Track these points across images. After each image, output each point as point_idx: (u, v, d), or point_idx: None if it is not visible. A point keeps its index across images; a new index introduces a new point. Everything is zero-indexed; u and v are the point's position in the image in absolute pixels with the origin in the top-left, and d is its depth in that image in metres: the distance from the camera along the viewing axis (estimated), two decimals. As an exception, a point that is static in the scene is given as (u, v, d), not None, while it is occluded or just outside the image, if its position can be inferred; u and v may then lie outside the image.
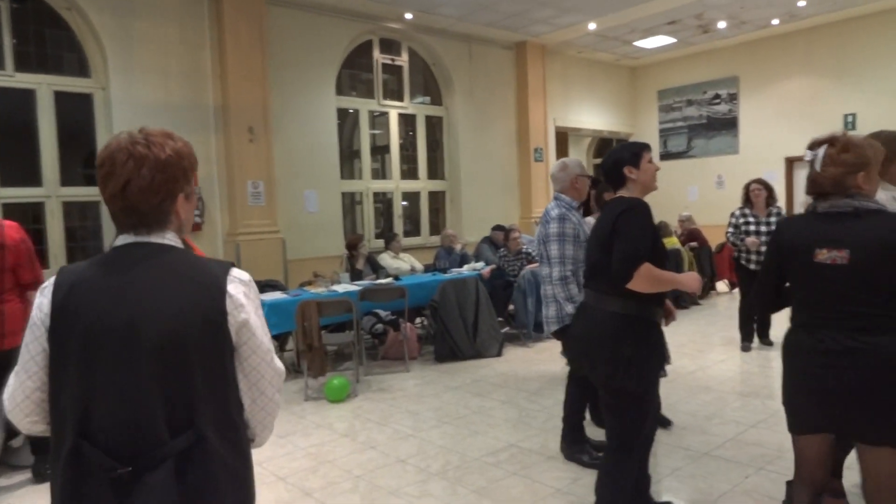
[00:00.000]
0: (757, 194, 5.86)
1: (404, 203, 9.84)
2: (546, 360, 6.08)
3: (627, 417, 2.55)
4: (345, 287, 6.00)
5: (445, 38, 9.92)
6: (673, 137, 12.49)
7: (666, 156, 12.54)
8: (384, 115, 9.59)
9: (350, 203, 9.47)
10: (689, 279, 2.52)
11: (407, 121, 9.87)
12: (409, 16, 9.08)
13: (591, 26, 10.14)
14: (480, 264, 7.42)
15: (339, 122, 8.94)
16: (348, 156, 9.43)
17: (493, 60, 10.62)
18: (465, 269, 7.21)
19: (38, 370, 1.32)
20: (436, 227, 10.25)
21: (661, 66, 12.54)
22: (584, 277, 2.80)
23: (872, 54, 10.03)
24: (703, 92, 11.99)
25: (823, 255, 2.01)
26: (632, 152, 2.63)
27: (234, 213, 7.56)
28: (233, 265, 1.40)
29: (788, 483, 2.26)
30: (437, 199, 10.33)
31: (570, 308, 3.43)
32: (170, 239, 1.38)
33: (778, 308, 2.28)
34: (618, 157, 2.63)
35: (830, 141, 2.10)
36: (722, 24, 10.46)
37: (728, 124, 11.64)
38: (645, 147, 2.69)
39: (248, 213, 7.56)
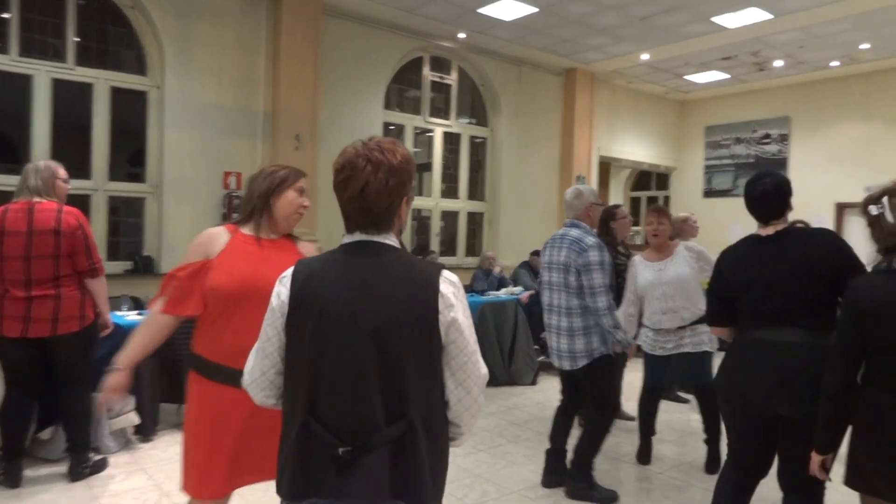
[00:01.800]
0: None
1: (441, 223, 9.74)
2: (583, 394, 5.87)
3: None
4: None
5: (496, 60, 9.89)
6: (718, 175, 12.23)
7: (710, 193, 12.29)
8: (429, 132, 9.55)
9: (388, 217, 9.41)
10: None
11: (451, 139, 9.82)
12: (462, 35, 9.07)
13: (644, 57, 10.03)
14: (518, 289, 7.26)
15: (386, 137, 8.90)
16: (390, 170, 9.39)
17: (541, 85, 10.55)
18: (503, 293, 7.05)
19: (272, 351, 1.49)
20: (472, 249, 10.13)
21: (711, 101, 12.34)
22: (777, 314, 2.41)
23: (935, 103, 9.73)
24: (753, 130, 11.75)
25: None
26: (790, 183, 2.57)
27: (274, 219, 7.53)
28: (444, 267, 1.49)
29: None
30: (474, 220, 10.22)
31: (620, 335, 3.39)
32: (391, 239, 1.49)
33: (849, 389, 2.07)
34: (783, 185, 2.55)
35: (890, 192, 1.99)
36: (779, 63, 10.25)
37: (777, 165, 11.36)
38: None
39: (288, 220, 7.52)
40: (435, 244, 9.50)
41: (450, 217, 9.89)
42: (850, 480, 2.06)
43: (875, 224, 2.01)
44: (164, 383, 4.37)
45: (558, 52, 9.92)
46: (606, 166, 12.20)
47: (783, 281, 2.36)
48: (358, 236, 1.47)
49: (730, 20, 8.38)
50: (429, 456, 1.40)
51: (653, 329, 4.07)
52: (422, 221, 9.74)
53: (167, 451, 4.11)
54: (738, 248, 2.59)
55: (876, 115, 10.37)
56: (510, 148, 10.18)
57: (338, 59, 8.19)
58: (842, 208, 10.61)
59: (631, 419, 4.85)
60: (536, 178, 10.51)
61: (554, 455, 3.75)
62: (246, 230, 2.10)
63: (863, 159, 10.37)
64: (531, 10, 8.16)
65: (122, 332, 3.78)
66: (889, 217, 1.95)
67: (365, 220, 1.45)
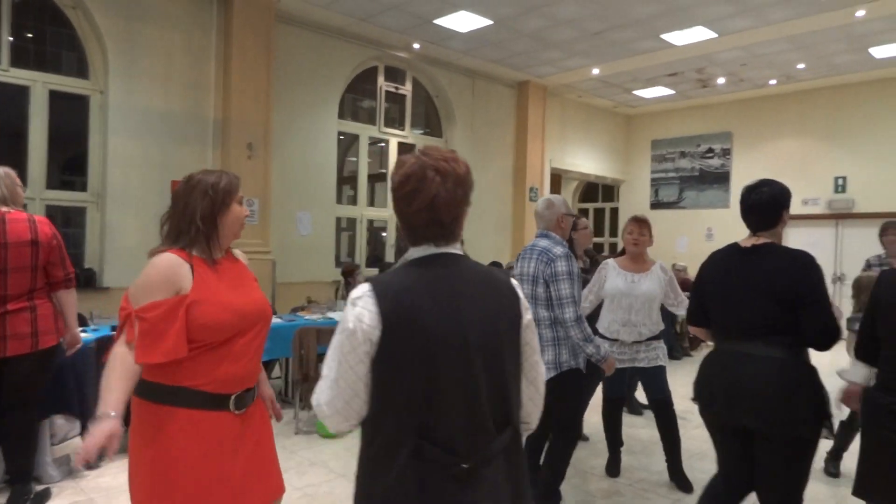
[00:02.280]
0: None
1: (384, 234, 9.64)
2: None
3: (802, 468, 2.36)
4: (342, 315, 5.73)
5: (450, 71, 9.90)
6: (664, 187, 12.59)
7: (657, 205, 12.62)
8: (384, 142, 9.45)
9: (340, 228, 9.24)
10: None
11: (406, 150, 9.74)
12: (416, 46, 9.04)
13: (595, 71, 10.24)
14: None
15: (339, 146, 8.77)
16: (344, 180, 9.25)
17: (494, 97, 10.62)
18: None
19: (356, 380, 1.37)
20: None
21: (657, 116, 12.71)
22: (741, 328, 2.47)
23: (863, 120, 10.29)
24: (697, 145, 12.16)
25: None
26: (787, 193, 2.47)
27: (225, 231, 7.26)
28: (508, 271, 1.48)
29: None
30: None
31: (590, 349, 3.25)
32: (459, 249, 1.47)
33: (873, 358, 2.15)
34: (780, 197, 2.45)
35: None
36: (721, 80, 10.66)
37: (720, 178, 11.77)
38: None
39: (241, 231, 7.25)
40: (390, 255, 9.38)
41: (404, 228, 9.78)
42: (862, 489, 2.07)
43: None
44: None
45: (512, 65, 10.01)
46: (557, 178, 12.37)
47: (748, 298, 2.37)
48: (430, 249, 1.43)
49: (678, 38, 8.64)
50: (525, 459, 1.50)
51: (608, 339, 4.00)
52: (374, 232, 9.60)
53: (117, 478, 3.85)
54: (719, 256, 2.59)
55: (810, 131, 10.90)
56: (465, 159, 10.16)
57: (291, 66, 8.01)
58: (781, 220, 11.05)
59: (584, 439, 4.81)
60: (491, 189, 10.55)
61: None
62: (195, 252, 1.89)
63: (800, 173, 10.86)
64: (486, 22, 8.20)
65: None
66: None
67: (435, 232, 1.41)
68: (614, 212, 13.49)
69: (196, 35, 7.21)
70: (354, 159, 9.21)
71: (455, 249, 1.45)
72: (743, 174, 11.55)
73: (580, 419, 4.09)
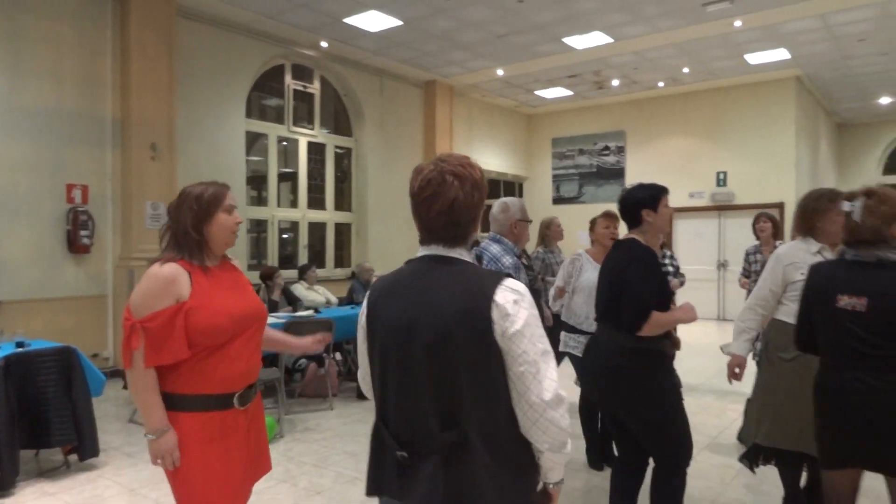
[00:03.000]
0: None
1: (288, 235, 9.49)
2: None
3: (667, 439, 2.60)
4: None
5: (358, 70, 9.86)
6: (565, 183, 13.19)
7: (558, 200, 13.20)
8: (293, 141, 9.27)
9: (247, 230, 8.97)
10: (687, 314, 2.61)
11: (315, 149, 9.61)
12: (324, 44, 8.94)
13: (500, 72, 10.56)
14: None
15: (248, 147, 8.51)
16: (254, 181, 8.98)
17: (403, 96, 10.69)
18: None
19: (364, 360, 1.61)
20: (340, 260, 9.98)
21: (556, 115, 13.28)
22: (596, 313, 2.82)
23: (740, 120, 11.29)
24: (594, 143, 12.83)
25: (844, 302, 2.15)
26: (651, 194, 2.64)
27: (128, 236, 6.88)
28: (509, 276, 1.48)
29: None
30: (342, 231, 10.08)
31: None
32: (461, 253, 1.51)
33: (814, 345, 2.37)
34: (638, 199, 2.65)
35: (867, 193, 2.23)
36: (615, 82, 11.32)
37: (616, 174, 12.50)
38: (664, 191, 2.69)
39: (144, 237, 6.90)
40: (304, 256, 9.22)
41: (317, 228, 9.65)
42: (821, 462, 2.33)
43: (847, 219, 2.26)
44: (24, 427, 3.81)
45: (420, 65, 10.12)
46: (465, 176, 12.62)
47: (601, 286, 2.75)
48: (433, 249, 1.50)
49: (577, 41, 9.10)
50: (492, 471, 1.38)
51: (584, 333, 3.89)
52: (283, 232, 9.40)
53: (35, 503, 3.59)
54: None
55: (694, 130, 11.82)
56: (375, 158, 10.19)
57: (195, 64, 7.68)
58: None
59: None
60: (402, 188, 10.51)
61: None
62: (194, 261, 2.01)
63: (686, 169, 11.75)
64: (396, 22, 8.25)
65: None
66: (856, 217, 2.20)
67: (448, 234, 1.48)
68: (519, 208, 13.95)
69: (89, 28, 6.75)
70: (261, 159, 8.97)
71: (459, 254, 1.50)
72: (636, 170, 12.33)
73: None
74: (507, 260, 3.15)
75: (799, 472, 3.08)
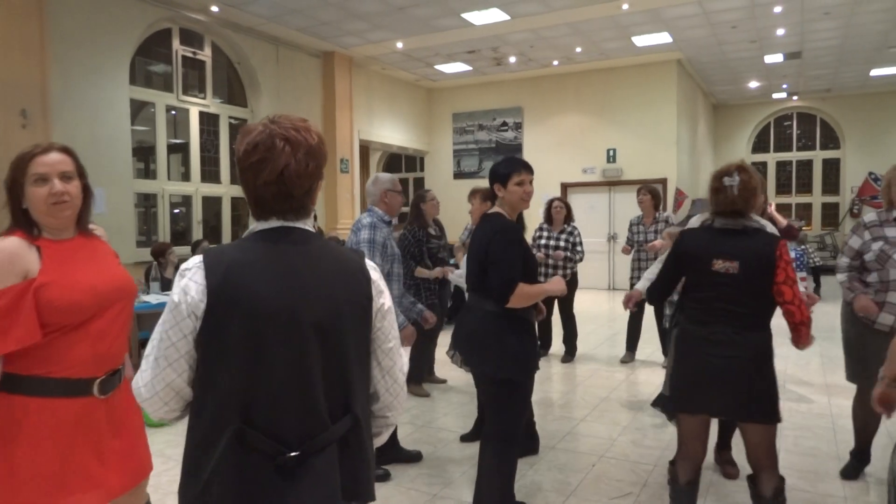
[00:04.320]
0: (558, 212, 6.49)
1: (180, 209, 9.10)
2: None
3: (510, 408, 2.75)
4: (158, 297, 5.38)
5: (252, 38, 9.46)
6: (466, 158, 13.40)
7: (459, 175, 13.40)
8: (184, 111, 8.80)
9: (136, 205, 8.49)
10: (555, 285, 2.80)
11: (209, 120, 9.17)
12: (215, 9, 8.50)
13: (399, 45, 10.49)
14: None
15: (133, 116, 7.99)
16: (140, 153, 8.46)
17: (300, 67, 10.39)
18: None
19: (178, 357, 1.28)
20: (236, 235, 9.65)
21: (456, 90, 13.40)
22: (468, 284, 2.95)
23: (626, 100, 11.91)
24: (493, 119, 13.09)
25: (719, 265, 2.40)
26: (503, 172, 2.75)
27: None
28: (364, 254, 1.46)
29: (671, 462, 2.61)
30: (239, 206, 9.74)
31: (401, 318, 3.40)
32: (310, 225, 1.39)
33: (664, 299, 2.73)
34: (493, 172, 2.79)
35: (739, 168, 2.47)
36: (513, 59, 11.57)
37: (514, 150, 12.84)
38: (516, 168, 2.73)
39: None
40: (198, 232, 8.84)
41: (211, 203, 9.27)
42: (670, 404, 2.56)
43: (720, 191, 2.45)
44: None
45: (318, 34, 9.86)
46: (365, 150, 12.53)
47: (469, 259, 2.88)
48: (276, 222, 1.33)
49: (475, 17, 9.21)
50: (369, 450, 1.38)
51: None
52: (175, 207, 8.97)
53: None
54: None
55: (586, 108, 12.33)
56: (318, 129, 9.84)
57: (69, 23, 7.07)
58: (565, 187, 12.44)
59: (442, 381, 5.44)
60: (301, 161, 10.35)
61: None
62: (44, 234, 1.82)
63: (579, 146, 12.28)
64: (292, -11, 7.99)
65: None
66: (735, 190, 2.41)
67: (284, 206, 1.32)
68: (419, 182, 14.05)
69: (-59, -21, 6.05)
70: (147, 129, 8.46)
71: (305, 225, 1.37)
72: (532, 146, 12.73)
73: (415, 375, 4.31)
74: (366, 219, 3.47)
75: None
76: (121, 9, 7.63)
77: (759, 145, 16.06)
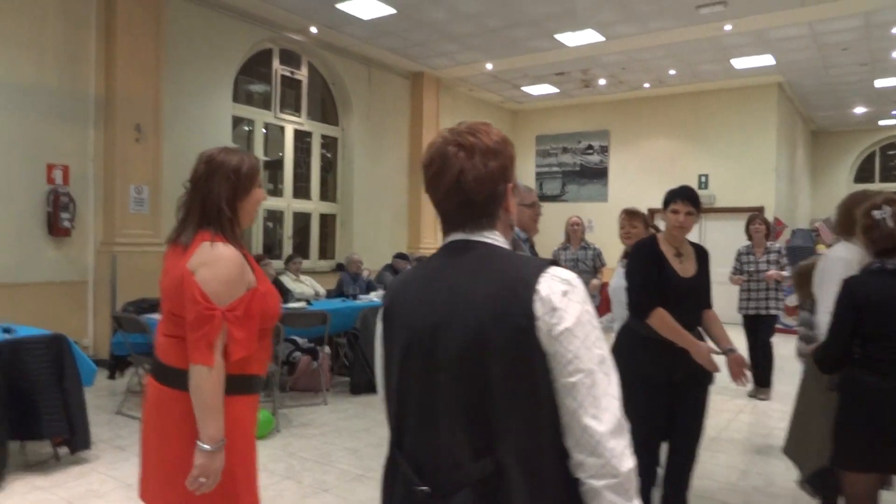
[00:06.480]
0: (757, 231, 6.02)
1: (271, 224, 9.29)
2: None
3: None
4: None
5: (346, 58, 9.67)
6: (548, 181, 13.21)
7: (542, 198, 13.18)
8: (278, 128, 9.05)
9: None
10: (700, 352, 2.76)
11: (302, 137, 9.40)
12: (314, 30, 8.74)
13: (488, 66, 10.49)
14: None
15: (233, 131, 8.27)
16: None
17: (390, 87, 10.53)
18: (374, 297, 6.91)
19: (380, 366, 1.33)
20: (324, 252, 9.80)
21: (541, 112, 13.28)
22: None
23: (722, 124, 11.45)
24: (578, 141, 12.87)
25: None
26: (665, 199, 2.89)
27: (111, 220, 6.60)
28: (555, 263, 1.18)
29: None
30: (326, 222, 9.90)
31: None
32: (495, 237, 1.24)
33: (844, 365, 2.34)
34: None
35: (888, 201, 2.24)
36: (602, 82, 11.36)
37: (599, 174, 12.56)
38: (673, 197, 2.87)
39: (128, 221, 6.65)
40: (288, 246, 9.02)
41: (301, 218, 9.46)
42: (839, 461, 2.31)
43: (874, 228, 2.24)
44: (13, 418, 3.60)
45: (409, 55, 9.98)
46: (448, 170, 12.56)
47: None
48: (454, 236, 1.24)
49: (569, 38, 9.08)
50: (533, 502, 1.11)
51: None
52: (266, 221, 9.19)
53: (25, 498, 3.40)
54: None
55: (676, 132, 11.94)
56: (362, 149, 10.02)
57: (182, 43, 7.42)
58: (653, 213, 12.01)
59: None
60: (387, 179, 10.47)
61: None
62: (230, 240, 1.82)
63: (668, 171, 11.86)
64: (390, 10, 8.11)
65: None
66: (890, 223, 2.18)
67: (465, 216, 1.22)
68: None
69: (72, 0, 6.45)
70: (238, 146, 8.73)
71: (488, 238, 1.22)
72: (618, 170, 12.42)
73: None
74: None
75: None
76: (229, 29, 7.95)
77: (863, 175, 15.10)
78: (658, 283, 2.79)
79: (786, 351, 7.80)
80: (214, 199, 1.76)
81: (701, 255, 2.94)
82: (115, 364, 5.79)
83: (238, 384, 1.76)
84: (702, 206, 3.01)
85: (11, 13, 6.00)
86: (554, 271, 1.15)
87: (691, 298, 2.85)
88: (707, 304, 2.93)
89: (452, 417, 1.14)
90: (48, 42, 6.27)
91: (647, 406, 2.69)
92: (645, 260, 2.84)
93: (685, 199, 2.79)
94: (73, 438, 3.80)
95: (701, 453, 4.13)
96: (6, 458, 3.57)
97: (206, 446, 1.64)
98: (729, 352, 2.79)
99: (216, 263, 1.70)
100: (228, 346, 1.69)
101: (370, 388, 5.75)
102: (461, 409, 1.13)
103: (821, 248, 12.17)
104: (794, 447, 2.94)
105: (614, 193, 12.44)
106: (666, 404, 2.81)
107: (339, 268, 8.79)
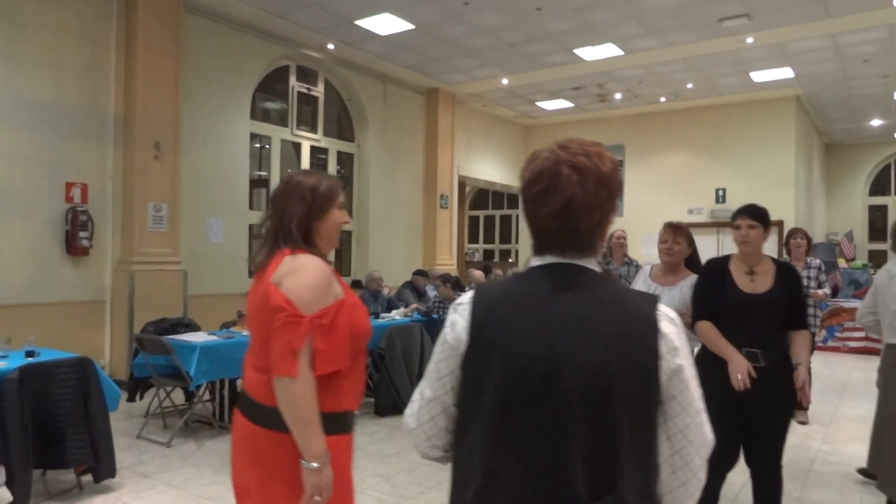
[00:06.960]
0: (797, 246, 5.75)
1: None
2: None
3: None
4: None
5: (362, 75, 9.62)
6: (563, 196, 13.09)
7: (555, 213, 13.09)
8: (295, 145, 8.97)
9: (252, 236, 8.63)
10: (735, 365, 2.74)
11: (318, 154, 9.32)
12: (331, 46, 8.69)
13: (504, 81, 10.42)
14: (408, 309, 7.03)
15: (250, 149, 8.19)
16: (256, 185, 8.65)
17: (405, 102, 10.47)
18: (396, 315, 6.77)
19: (443, 393, 1.22)
20: (340, 269, 9.67)
21: (555, 127, 13.19)
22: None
23: (738, 137, 11.34)
24: (592, 156, 12.75)
25: None
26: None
27: (129, 238, 6.49)
28: (658, 298, 1.16)
29: None
30: (342, 239, 9.76)
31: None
32: (594, 265, 1.19)
33: None
34: None
35: None
36: (618, 96, 11.28)
37: (614, 188, 12.43)
38: (738, 213, 2.99)
39: (146, 240, 6.53)
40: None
41: (316, 235, 9.34)
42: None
43: None
44: (37, 446, 3.46)
45: (425, 71, 9.93)
46: (462, 185, 12.46)
47: None
48: (551, 258, 1.18)
49: (588, 53, 9.01)
50: None
51: None
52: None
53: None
54: None
55: (693, 146, 11.83)
56: (377, 165, 9.94)
57: (200, 61, 7.36)
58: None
59: None
60: (402, 196, 10.37)
61: None
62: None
63: (684, 185, 11.75)
64: (408, 26, 8.05)
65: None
66: None
67: (565, 241, 1.17)
68: (506, 218, 13.90)
69: (91, 17, 6.39)
70: (253, 163, 8.65)
71: (589, 264, 1.18)
72: (634, 184, 12.30)
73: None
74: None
75: None
76: (247, 47, 7.90)
77: (878, 188, 14.95)
78: (713, 297, 2.87)
79: (825, 369, 7.62)
80: (287, 220, 1.70)
81: (783, 273, 2.87)
82: (135, 386, 5.64)
83: (333, 423, 1.64)
84: (720, 220, 3.12)
85: (31, 31, 5.95)
86: (663, 308, 1.15)
87: (759, 314, 2.79)
88: (788, 321, 2.83)
89: (573, 453, 1.08)
90: (67, 60, 6.21)
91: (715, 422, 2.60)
92: (708, 275, 2.97)
93: (746, 214, 2.90)
94: (97, 466, 3.65)
95: (745, 480, 3.96)
96: (30, 488, 3.42)
97: (313, 464, 1.57)
98: (796, 365, 2.76)
99: (301, 270, 1.64)
100: (315, 359, 1.58)
101: (396, 410, 5.60)
102: (591, 446, 1.08)
103: (841, 262, 12.01)
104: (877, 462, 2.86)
105: (629, 208, 12.31)
106: (735, 421, 2.79)
107: (356, 284, 8.65)
